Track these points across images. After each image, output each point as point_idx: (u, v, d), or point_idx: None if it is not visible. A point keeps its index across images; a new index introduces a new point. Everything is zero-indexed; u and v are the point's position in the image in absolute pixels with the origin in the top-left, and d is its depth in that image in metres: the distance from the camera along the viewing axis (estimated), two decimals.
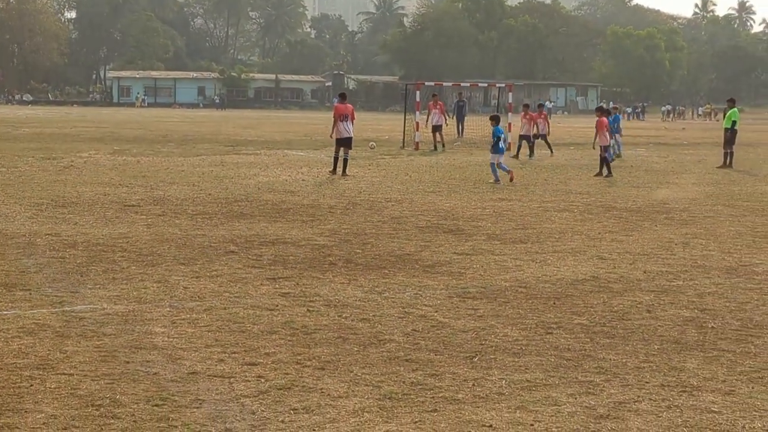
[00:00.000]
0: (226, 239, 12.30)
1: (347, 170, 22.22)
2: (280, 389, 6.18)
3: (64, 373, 6.43)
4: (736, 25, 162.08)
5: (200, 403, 5.87)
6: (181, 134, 40.94)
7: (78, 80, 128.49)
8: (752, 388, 6.42)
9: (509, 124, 34.05)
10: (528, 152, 30.56)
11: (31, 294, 8.82)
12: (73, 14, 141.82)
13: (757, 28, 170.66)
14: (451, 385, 6.33)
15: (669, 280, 10.18)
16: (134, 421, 5.55)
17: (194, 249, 11.52)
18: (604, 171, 23.15)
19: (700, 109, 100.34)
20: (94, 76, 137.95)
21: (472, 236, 13.02)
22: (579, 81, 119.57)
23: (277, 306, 8.56)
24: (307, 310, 8.45)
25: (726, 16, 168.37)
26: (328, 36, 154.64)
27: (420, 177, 22.16)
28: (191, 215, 14.58)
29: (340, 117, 22.22)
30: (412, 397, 6.09)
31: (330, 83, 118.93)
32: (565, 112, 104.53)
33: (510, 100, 36.17)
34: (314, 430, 5.48)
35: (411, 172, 23.59)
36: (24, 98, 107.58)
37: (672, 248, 12.30)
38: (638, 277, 10.25)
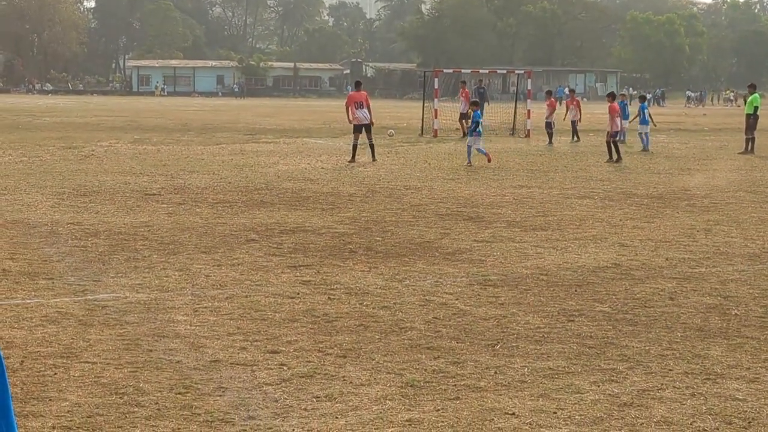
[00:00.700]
0: (247, 227, 12.32)
1: (375, 156, 22.50)
2: (303, 377, 6.19)
3: (88, 362, 6.46)
4: (756, 10, 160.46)
5: (223, 391, 5.89)
6: (201, 123, 41.02)
7: (97, 69, 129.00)
8: None
9: (528, 111, 33.96)
10: (548, 139, 30.54)
11: (53, 283, 8.87)
12: (92, 3, 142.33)
13: None
14: (473, 373, 6.32)
15: (691, 267, 10.12)
16: (158, 409, 5.57)
17: (215, 237, 11.55)
18: (614, 156, 23.19)
19: (731, 94, 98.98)
20: (113, 66, 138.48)
21: (492, 223, 12.98)
22: (598, 67, 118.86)
23: (299, 294, 8.57)
24: (328, 298, 8.46)
25: (746, 1, 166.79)
26: (346, 24, 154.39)
27: (439, 164, 22.11)
28: (212, 204, 14.61)
29: (355, 104, 22.46)
30: (434, 384, 6.08)
31: (348, 71, 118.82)
32: (585, 99, 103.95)
33: (529, 87, 36.00)
34: (337, 417, 5.48)
35: (430, 159, 23.55)
36: (44, 88, 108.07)
37: (694, 235, 12.22)
38: (660, 264, 10.20)
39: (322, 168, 20.82)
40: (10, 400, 3.99)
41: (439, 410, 5.61)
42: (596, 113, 36.91)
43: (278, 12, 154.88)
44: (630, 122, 29.40)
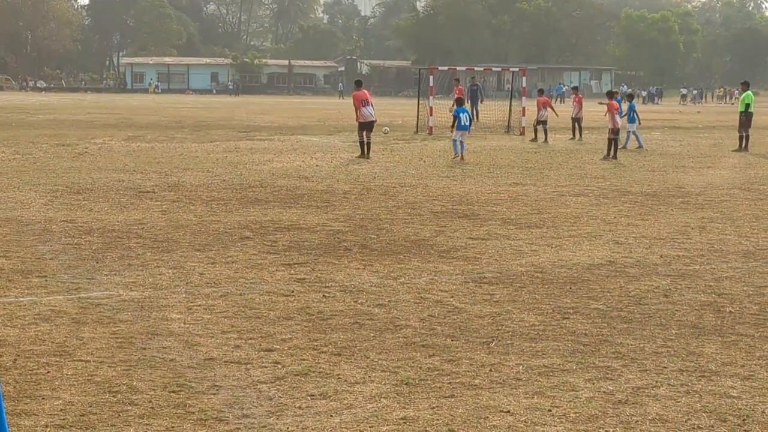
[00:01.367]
0: (241, 225, 12.30)
1: (369, 154, 22.88)
2: (297, 375, 6.17)
3: (81, 360, 6.44)
4: (750, 8, 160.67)
5: (217, 390, 5.87)
6: (195, 120, 40.96)
7: (91, 67, 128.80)
8: None
9: (523, 108, 33.97)
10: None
11: (47, 280, 8.84)
12: (86, 1, 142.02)
13: None
14: (468, 371, 6.31)
15: (686, 264, 10.12)
16: (151, 407, 5.55)
17: (209, 235, 11.52)
18: (611, 152, 23.38)
19: (722, 90, 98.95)
20: (107, 63, 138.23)
21: (487, 221, 12.97)
22: (593, 65, 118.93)
23: (293, 292, 8.56)
24: (323, 295, 8.44)
25: None
26: (340, 21, 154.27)
27: (434, 162, 22.10)
28: (206, 201, 14.58)
29: (362, 102, 23.11)
30: (429, 382, 6.07)
31: (343, 68, 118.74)
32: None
33: (524, 84, 36.01)
34: (331, 416, 5.46)
35: (425, 156, 23.54)
36: (38, 85, 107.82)
37: (688, 232, 12.23)
38: (655, 262, 10.20)
39: (317, 165, 20.80)
40: (1, 398, 3.97)
41: (434, 408, 5.60)
42: (590, 111, 36.88)
43: (273, 9, 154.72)
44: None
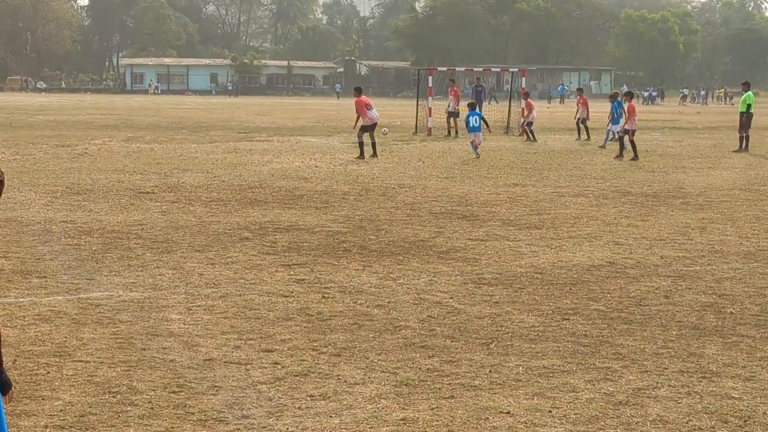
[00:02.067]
0: (241, 226, 12.29)
1: (364, 154, 23.16)
2: (297, 376, 6.17)
3: (81, 360, 6.43)
4: (750, 8, 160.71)
5: (217, 390, 5.86)
6: (194, 121, 40.95)
7: (91, 68, 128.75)
8: None
9: (522, 109, 33.96)
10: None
11: (47, 281, 8.83)
12: (85, 1, 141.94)
13: None
14: (468, 372, 6.30)
15: (686, 265, 10.12)
16: (151, 408, 5.55)
17: (209, 236, 11.51)
18: (633, 153, 23.54)
19: (722, 92, 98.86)
20: (107, 64, 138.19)
21: (486, 222, 12.96)
22: (592, 65, 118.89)
23: (293, 292, 8.55)
24: (323, 296, 8.43)
25: None
26: (339, 22, 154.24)
27: (433, 163, 22.10)
28: (205, 202, 14.58)
29: (367, 106, 23.63)
30: (428, 383, 6.06)
31: (342, 69, 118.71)
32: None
33: (523, 85, 36.01)
34: (331, 416, 5.46)
35: (424, 157, 23.53)
36: (38, 85, 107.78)
37: (689, 233, 12.22)
38: (655, 263, 10.19)
39: (316, 166, 20.79)
40: (0, 399, 3.96)
41: (433, 409, 5.59)
42: (590, 111, 36.84)
43: (272, 10, 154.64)
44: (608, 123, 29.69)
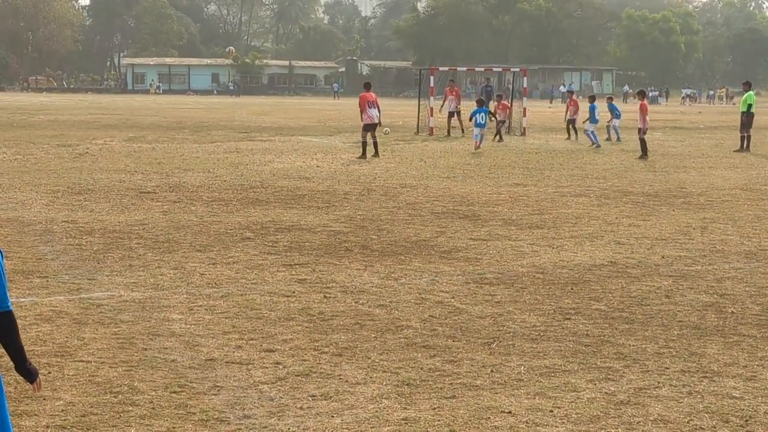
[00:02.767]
0: (242, 226, 12.29)
1: (379, 152, 23.36)
2: (298, 376, 6.17)
3: (82, 360, 6.43)
4: (751, 8, 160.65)
5: (218, 390, 5.86)
6: (196, 121, 40.95)
7: (92, 67, 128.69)
8: None
9: (524, 109, 33.97)
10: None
11: (48, 281, 8.83)
12: (86, 1, 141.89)
13: None
14: (470, 372, 6.30)
15: (687, 264, 10.11)
16: (152, 408, 5.55)
17: (210, 236, 11.52)
18: (645, 151, 23.85)
19: (724, 92, 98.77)
20: (108, 64, 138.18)
21: (488, 222, 12.96)
22: (593, 65, 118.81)
23: (294, 292, 8.55)
24: (324, 296, 8.43)
25: None
26: (341, 21, 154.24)
27: (435, 162, 22.09)
28: (207, 202, 14.58)
29: (368, 104, 23.55)
30: (430, 383, 6.06)
31: (343, 69, 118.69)
32: (580, 96, 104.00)
33: (525, 85, 35.99)
34: (332, 416, 5.46)
35: (425, 157, 23.53)
36: (39, 86, 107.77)
37: (690, 233, 12.21)
38: (656, 262, 10.19)
39: (318, 166, 20.79)
40: (4, 399, 3.96)
41: (435, 409, 5.59)
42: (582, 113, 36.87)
43: (273, 10, 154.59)
44: (584, 122, 29.96)
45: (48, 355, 6.53)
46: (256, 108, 60.26)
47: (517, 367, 6.42)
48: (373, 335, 7.18)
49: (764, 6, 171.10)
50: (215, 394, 5.79)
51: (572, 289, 8.85)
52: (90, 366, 6.31)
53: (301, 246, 10.90)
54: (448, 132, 32.67)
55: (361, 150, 23.24)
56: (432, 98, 33.62)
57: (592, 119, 29.01)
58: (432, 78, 34.41)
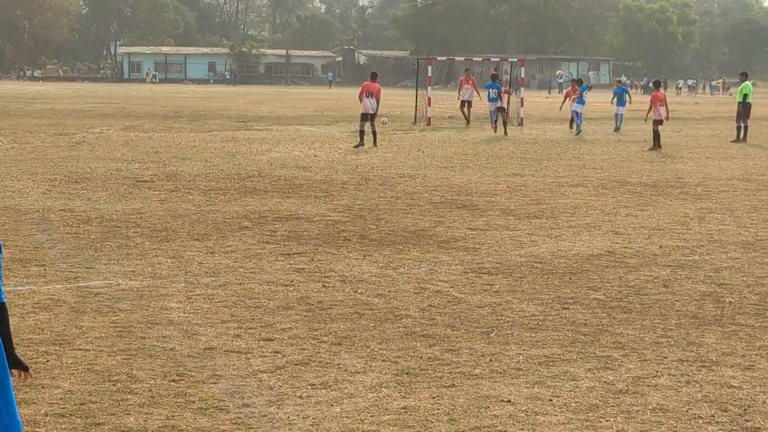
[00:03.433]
0: (240, 215, 12.28)
1: (377, 142, 23.35)
2: (297, 365, 6.17)
3: (81, 349, 6.43)
4: None
5: (217, 379, 5.86)
6: (193, 110, 40.88)
7: (88, 56, 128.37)
8: None
9: (521, 99, 33.95)
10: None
11: (45, 269, 8.82)
12: None
13: None
14: (469, 361, 6.31)
15: (685, 254, 10.12)
16: (151, 396, 5.55)
17: (208, 224, 11.50)
18: (657, 142, 23.85)
19: (720, 82, 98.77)
20: (104, 52, 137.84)
21: (486, 211, 12.96)
22: (591, 55, 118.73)
23: (293, 281, 8.55)
24: (323, 285, 8.43)
25: None
26: (338, 11, 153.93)
27: (433, 152, 22.08)
28: (204, 191, 14.56)
29: (366, 93, 23.63)
30: (429, 372, 6.06)
31: (340, 58, 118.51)
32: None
33: (522, 75, 35.96)
34: (332, 405, 5.46)
35: (423, 147, 23.51)
36: (35, 74, 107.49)
37: (687, 223, 12.22)
38: (654, 252, 10.19)
39: (315, 155, 20.77)
40: (11, 389, 3.97)
41: (434, 398, 5.60)
42: (588, 101, 36.80)
43: None
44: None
45: (46, 344, 6.53)
46: (253, 97, 60.15)
47: (516, 356, 6.42)
48: (372, 324, 7.18)
49: None
50: (214, 383, 5.79)
51: (570, 278, 8.86)
52: (88, 354, 6.30)
53: (299, 235, 10.89)
54: (468, 121, 32.57)
55: (358, 138, 23.29)
56: (430, 88, 33.59)
57: (580, 100, 29.61)
58: (430, 68, 34.35)
